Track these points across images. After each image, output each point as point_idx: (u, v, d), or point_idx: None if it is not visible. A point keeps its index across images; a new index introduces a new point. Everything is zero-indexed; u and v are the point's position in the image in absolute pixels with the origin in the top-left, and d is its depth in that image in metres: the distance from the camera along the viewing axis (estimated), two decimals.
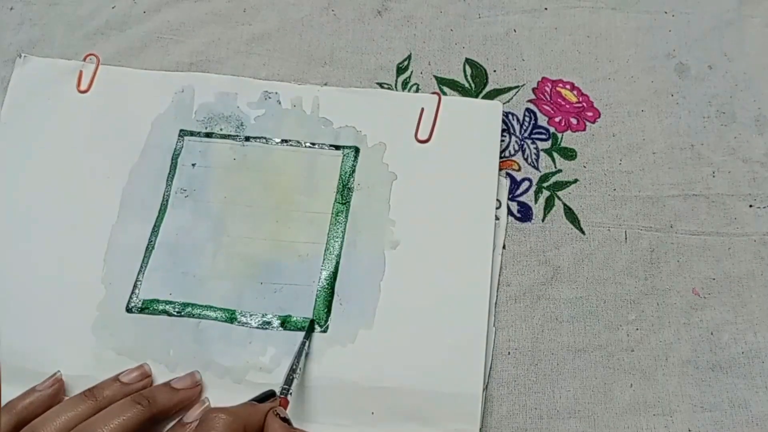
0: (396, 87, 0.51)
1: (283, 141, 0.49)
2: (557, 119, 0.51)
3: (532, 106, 0.51)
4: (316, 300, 0.44)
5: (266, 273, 0.45)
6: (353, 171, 0.48)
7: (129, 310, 0.44)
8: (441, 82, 0.51)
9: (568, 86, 0.52)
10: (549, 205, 0.48)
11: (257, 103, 0.50)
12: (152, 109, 0.49)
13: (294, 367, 0.41)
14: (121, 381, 0.41)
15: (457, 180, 0.48)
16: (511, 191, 0.48)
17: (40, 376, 0.41)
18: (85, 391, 0.40)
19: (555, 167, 0.49)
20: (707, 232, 0.48)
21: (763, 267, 0.47)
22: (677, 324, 0.45)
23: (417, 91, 0.51)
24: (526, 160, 0.49)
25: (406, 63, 0.52)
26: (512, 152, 0.50)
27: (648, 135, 0.50)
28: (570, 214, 0.48)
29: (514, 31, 0.54)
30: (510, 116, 0.51)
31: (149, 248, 0.46)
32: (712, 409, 0.43)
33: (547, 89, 0.52)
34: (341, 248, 0.46)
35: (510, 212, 0.48)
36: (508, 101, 0.51)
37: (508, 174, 0.49)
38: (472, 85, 0.51)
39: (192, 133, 0.49)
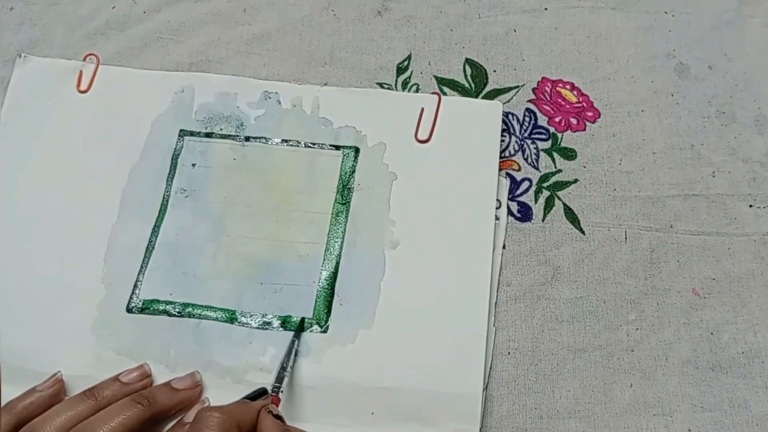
0: (396, 87, 0.51)
1: (283, 141, 0.49)
2: (557, 119, 0.51)
3: (532, 106, 0.51)
4: (316, 300, 0.44)
5: (266, 273, 0.45)
6: (353, 171, 0.48)
7: (129, 310, 0.44)
8: (441, 82, 0.51)
9: (568, 86, 0.52)
10: (549, 205, 0.48)
11: (257, 103, 0.50)
12: (152, 109, 0.49)
13: (284, 365, 0.41)
14: (121, 381, 0.41)
15: (457, 180, 0.48)
16: (511, 191, 0.48)
17: (40, 376, 0.41)
18: (85, 391, 0.40)
19: (555, 167, 0.49)
20: (707, 232, 0.48)
21: (763, 267, 0.47)
22: (677, 324, 0.45)
23: (417, 91, 0.51)
24: (526, 160, 0.49)
25: (406, 63, 0.52)
26: (512, 152, 0.50)
27: (648, 135, 0.50)
28: (570, 214, 0.48)
29: (514, 31, 0.54)
30: (510, 116, 0.51)
31: (149, 248, 0.46)
32: (712, 409, 0.43)
33: (547, 89, 0.52)
34: (341, 248, 0.46)
35: (510, 212, 0.48)
36: (508, 101, 0.51)
37: (508, 174, 0.49)
38: (472, 85, 0.51)
39: (192, 133, 0.49)
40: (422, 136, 0.49)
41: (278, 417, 0.37)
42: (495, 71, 0.52)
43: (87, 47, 0.52)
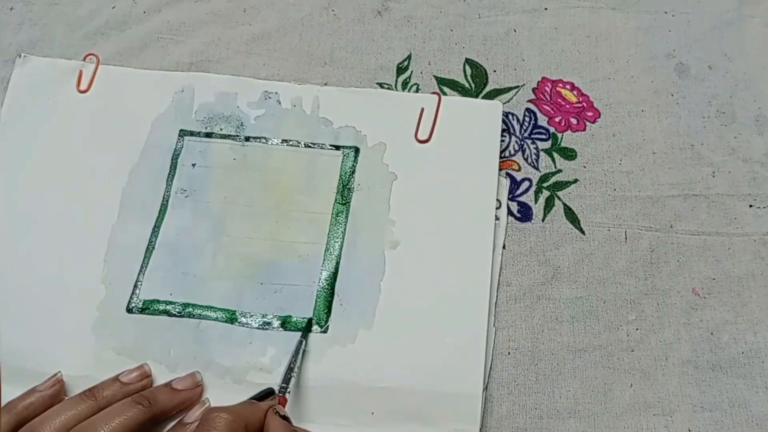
0: (396, 87, 0.51)
1: (283, 141, 0.49)
2: (557, 119, 0.51)
3: (532, 106, 0.51)
4: (316, 300, 0.44)
5: (266, 273, 0.45)
6: (353, 171, 0.48)
7: (129, 310, 0.44)
8: (441, 82, 0.51)
9: (568, 86, 0.52)
10: (549, 205, 0.48)
11: (257, 103, 0.50)
12: (152, 109, 0.49)
13: (292, 365, 0.41)
14: (120, 381, 0.41)
15: (457, 180, 0.48)
16: (511, 191, 0.48)
17: (40, 376, 0.41)
18: (85, 391, 0.40)
19: (555, 167, 0.49)
20: (707, 232, 0.48)
21: (763, 267, 0.47)
22: (677, 324, 0.45)
23: (417, 91, 0.51)
24: (526, 160, 0.49)
25: (406, 63, 0.52)
26: (512, 152, 0.50)
27: (648, 135, 0.50)
28: (570, 214, 0.48)
29: (514, 31, 0.54)
30: (510, 116, 0.51)
31: (149, 248, 0.46)
32: (712, 409, 0.43)
33: (547, 89, 0.52)
34: (341, 248, 0.46)
35: (510, 212, 0.48)
36: (508, 101, 0.51)
37: (508, 174, 0.49)
38: (472, 85, 0.51)
39: (192, 133, 0.49)
40: (422, 136, 0.49)
41: (285, 418, 0.37)
42: (495, 71, 0.52)
43: (87, 47, 0.52)
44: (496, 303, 0.45)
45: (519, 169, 0.49)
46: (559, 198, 0.48)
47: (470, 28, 0.54)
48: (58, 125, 0.49)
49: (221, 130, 0.49)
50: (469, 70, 0.52)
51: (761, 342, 0.45)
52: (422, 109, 0.50)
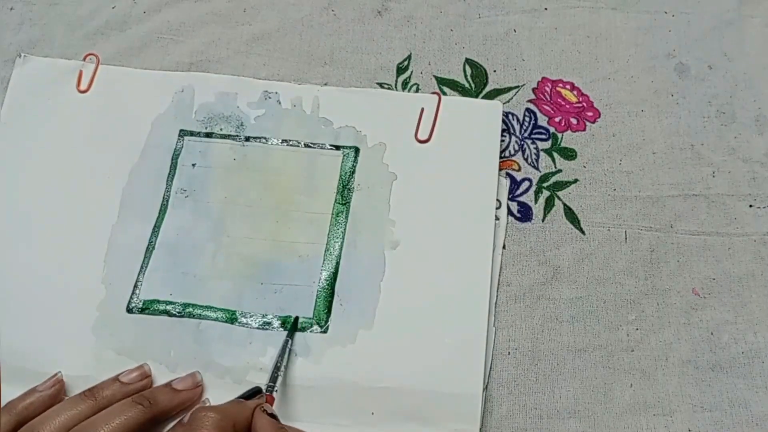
0: (396, 87, 0.51)
1: (283, 141, 0.49)
2: (557, 119, 0.51)
3: (532, 106, 0.51)
4: (316, 300, 0.44)
5: (266, 273, 0.45)
6: (353, 171, 0.48)
7: (129, 310, 0.44)
8: (441, 82, 0.51)
9: (568, 86, 0.52)
10: (549, 205, 0.48)
11: (257, 103, 0.50)
12: (152, 109, 0.49)
13: (278, 364, 0.41)
14: (120, 381, 0.41)
15: (457, 180, 0.48)
16: (511, 191, 0.48)
17: (40, 376, 0.41)
18: (85, 391, 0.40)
19: (555, 167, 0.49)
20: (707, 232, 0.48)
21: (763, 267, 0.47)
22: (677, 324, 0.45)
23: (417, 91, 0.51)
24: (526, 160, 0.49)
25: (406, 63, 0.52)
26: (512, 152, 0.50)
27: (648, 135, 0.50)
28: (570, 214, 0.48)
29: (514, 31, 0.54)
30: (510, 116, 0.51)
31: (149, 248, 0.46)
32: (712, 409, 0.43)
33: (547, 89, 0.52)
34: (341, 248, 0.46)
35: (510, 212, 0.48)
36: (508, 101, 0.51)
37: (508, 174, 0.49)
38: (472, 85, 0.51)
39: (192, 133, 0.49)
40: (422, 136, 0.49)
41: (272, 416, 0.37)
42: (495, 71, 0.52)
43: (87, 47, 0.52)
44: (496, 303, 0.45)
45: (519, 169, 0.49)
46: (559, 198, 0.48)
47: (470, 28, 0.54)
48: (58, 125, 0.49)
49: (221, 130, 0.49)
50: (469, 70, 0.52)
51: (761, 342, 0.45)
52: (422, 109, 0.50)
